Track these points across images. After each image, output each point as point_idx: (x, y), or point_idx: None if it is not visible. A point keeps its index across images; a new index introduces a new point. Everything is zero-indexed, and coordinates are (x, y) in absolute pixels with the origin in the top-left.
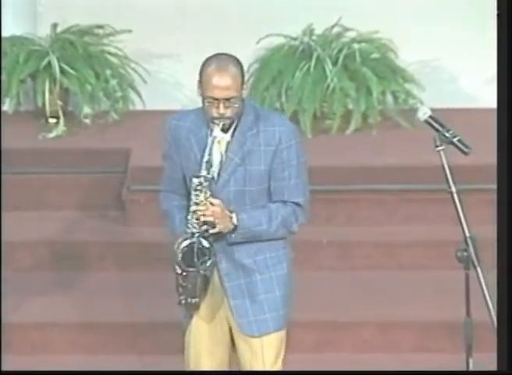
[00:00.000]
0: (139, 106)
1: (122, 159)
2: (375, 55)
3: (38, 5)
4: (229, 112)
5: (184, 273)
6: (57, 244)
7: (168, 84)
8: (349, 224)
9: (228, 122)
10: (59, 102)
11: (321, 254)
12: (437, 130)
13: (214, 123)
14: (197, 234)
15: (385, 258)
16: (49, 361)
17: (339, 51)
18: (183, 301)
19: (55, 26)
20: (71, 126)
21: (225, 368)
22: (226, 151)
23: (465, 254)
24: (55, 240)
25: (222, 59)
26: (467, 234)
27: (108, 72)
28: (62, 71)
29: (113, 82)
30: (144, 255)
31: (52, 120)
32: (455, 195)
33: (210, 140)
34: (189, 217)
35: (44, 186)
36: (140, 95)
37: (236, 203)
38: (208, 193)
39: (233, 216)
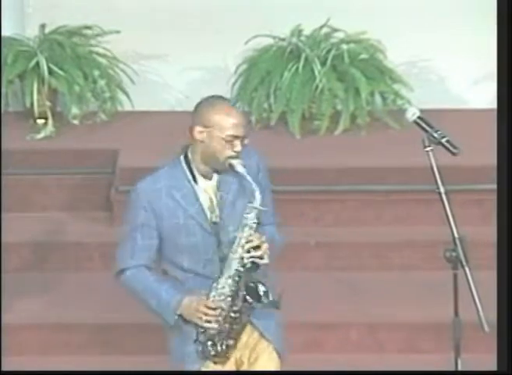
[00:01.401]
0: (127, 107)
1: (110, 160)
2: (364, 56)
3: (26, 5)
4: (240, 150)
5: (237, 313)
6: (45, 244)
7: (157, 85)
8: (337, 225)
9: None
10: (47, 103)
11: (308, 255)
12: (426, 131)
13: (231, 161)
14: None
15: (373, 259)
16: (38, 362)
17: (328, 51)
18: (220, 348)
19: (43, 26)
20: (59, 127)
21: None
22: (220, 192)
23: (453, 254)
24: (43, 241)
25: (226, 101)
26: (456, 235)
27: (97, 72)
28: (51, 72)
29: (101, 83)
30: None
31: (40, 121)
32: (443, 196)
33: (236, 180)
34: (236, 256)
35: (33, 187)
36: (128, 96)
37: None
38: (254, 230)
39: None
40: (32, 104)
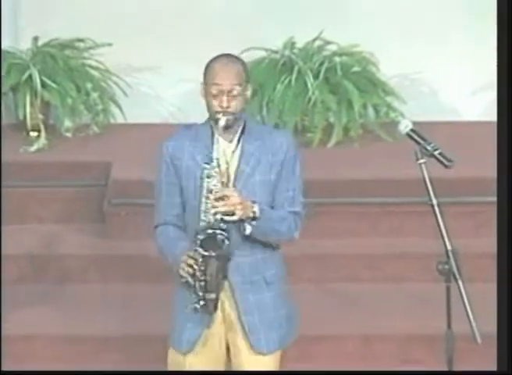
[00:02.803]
0: (120, 119)
1: (103, 172)
2: (356, 69)
3: (19, 18)
4: (231, 107)
5: (202, 264)
6: (38, 257)
7: (149, 97)
8: (330, 237)
9: (231, 118)
10: (40, 116)
11: (302, 266)
12: (418, 143)
13: (217, 115)
14: (214, 224)
15: (367, 271)
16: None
17: (321, 64)
18: (202, 302)
19: (35, 39)
20: (52, 140)
21: None
22: (238, 162)
23: (446, 267)
24: (36, 253)
25: (224, 57)
26: (449, 247)
27: (89, 85)
28: (43, 84)
29: (94, 95)
30: (125, 268)
31: (33, 134)
32: (436, 208)
33: (216, 131)
34: (202, 208)
35: (26, 199)
36: (120, 108)
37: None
38: (220, 178)
39: (255, 205)
40: (25, 116)
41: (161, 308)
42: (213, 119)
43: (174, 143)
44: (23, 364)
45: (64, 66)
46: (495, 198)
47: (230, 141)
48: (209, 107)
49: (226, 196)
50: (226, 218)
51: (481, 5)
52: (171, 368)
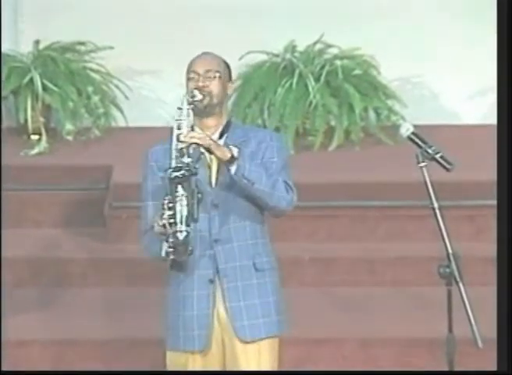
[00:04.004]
0: (121, 123)
1: (104, 176)
2: (357, 72)
3: (20, 21)
4: (207, 87)
5: (170, 203)
6: (38, 260)
7: (151, 101)
8: (330, 240)
9: (206, 100)
10: (41, 119)
11: (302, 270)
12: (419, 147)
13: (193, 94)
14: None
15: (367, 275)
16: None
17: (322, 67)
18: (172, 242)
19: (36, 42)
20: (53, 143)
21: None
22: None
23: (447, 270)
24: (37, 257)
25: (205, 52)
26: (450, 250)
27: (90, 88)
28: (44, 88)
29: (95, 98)
30: (125, 272)
31: (34, 137)
32: (437, 211)
33: (184, 105)
34: (173, 155)
35: (26, 202)
36: (122, 112)
37: (238, 208)
38: (188, 123)
39: (234, 148)
40: (26, 120)
41: (163, 311)
42: (190, 100)
43: (158, 148)
44: (21, 369)
45: (65, 69)
46: (496, 202)
47: (211, 134)
48: (187, 91)
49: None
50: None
51: (482, 8)
52: (170, 369)
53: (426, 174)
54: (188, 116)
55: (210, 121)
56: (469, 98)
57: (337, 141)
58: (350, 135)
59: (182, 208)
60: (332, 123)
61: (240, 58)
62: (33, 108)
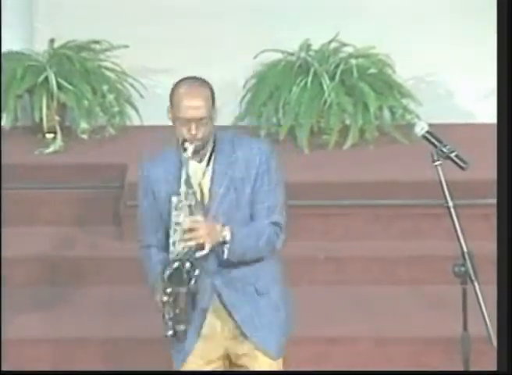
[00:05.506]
0: (136, 121)
1: (118, 174)
2: (372, 71)
3: (35, 20)
4: (200, 134)
5: (170, 298)
6: (53, 259)
7: (165, 99)
8: (345, 239)
9: (199, 144)
10: (56, 118)
11: (316, 268)
12: (434, 145)
13: (185, 144)
14: (184, 256)
15: (381, 273)
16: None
17: (337, 66)
18: (171, 332)
19: (52, 41)
20: (68, 142)
21: None
22: (210, 182)
23: (462, 269)
24: (51, 255)
25: (192, 82)
26: (465, 249)
27: (105, 87)
28: (59, 86)
29: (110, 97)
30: (140, 271)
31: (49, 135)
32: (452, 210)
33: (184, 159)
34: (171, 240)
35: (41, 201)
36: (137, 110)
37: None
38: (188, 210)
39: (225, 229)
40: (41, 118)
41: None
42: (181, 144)
43: (150, 165)
44: (33, 368)
45: (80, 67)
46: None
47: (200, 161)
48: (177, 133)
49: (194, 229)
50: (196, 254)
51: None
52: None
53: (441, 173)
54: (189, 192)
55: (200, 151)
56: (484, 97)
57: (352, 139)
58: (365, 134)
59: (181, 306)
60: (347, 121)
61: (255, 57)
62: (48, 107)
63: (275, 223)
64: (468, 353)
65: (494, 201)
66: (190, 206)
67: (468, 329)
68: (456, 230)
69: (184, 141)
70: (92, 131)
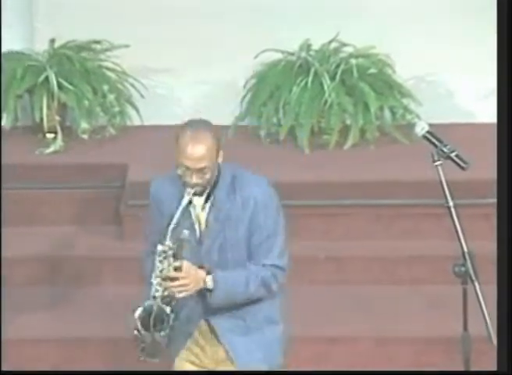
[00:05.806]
0: (136, 121)
1: (119, 174)
2: (373, 71)
3: (35, 20)
4: (200, 181)
5: (143, 337)
6: (54, 259)
7: (166, 99)
8: (345, 239)
9: (200, 189)
10: (57, 117)
11: (317, 268)
12: (435, 145)
13: (187, 191)
14: (158, 298)
15: (382, 273)
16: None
17: (337, 66)
18: (142, 359)
19: (52, 41)
20: (68, 142)
21: None
22: (207, 217)
23: (463, 269)
24: (52, 255)
25: (197, 128)
26: (465, 249)
27: (106, 87)
28: (60, 86)
29: (111, 97)
30: (141, 270)
31: (50, 135)
32: (453, 210)
33: (180, 208)
34: (152, 281)
35: (42, 201)
36: (137, 110)
37: (220, 269)
38: (172, 260)
39: (208, 277)
40: (41, 118)
41: None
42: (182, 185)
43: (158, 184)
44: (33, 368)
45: (80, 67)
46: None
47: (201, 194)
48: (180, 176)
49: (175, 278)
50: (177, 295)
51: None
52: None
53: (441, 173)
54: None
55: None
56: (485, 97)
57: (352, 139)
58: (365, 134)
59: (154, 344)
60: (348, 121)
61: (256, 57)
62: (48, 107)
63: (275, 266)
64: (469, 353)
65: (494, 201)
66: (174, 254)
67: (468, 329)
68: (456, 230)
69: (185, 184)
70: (92, 131)
